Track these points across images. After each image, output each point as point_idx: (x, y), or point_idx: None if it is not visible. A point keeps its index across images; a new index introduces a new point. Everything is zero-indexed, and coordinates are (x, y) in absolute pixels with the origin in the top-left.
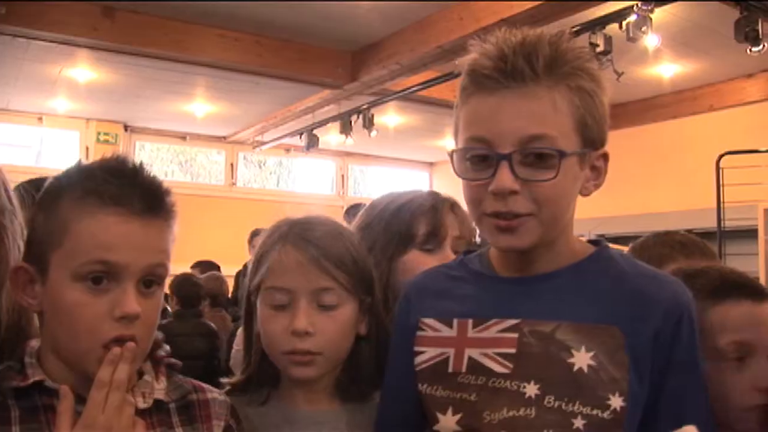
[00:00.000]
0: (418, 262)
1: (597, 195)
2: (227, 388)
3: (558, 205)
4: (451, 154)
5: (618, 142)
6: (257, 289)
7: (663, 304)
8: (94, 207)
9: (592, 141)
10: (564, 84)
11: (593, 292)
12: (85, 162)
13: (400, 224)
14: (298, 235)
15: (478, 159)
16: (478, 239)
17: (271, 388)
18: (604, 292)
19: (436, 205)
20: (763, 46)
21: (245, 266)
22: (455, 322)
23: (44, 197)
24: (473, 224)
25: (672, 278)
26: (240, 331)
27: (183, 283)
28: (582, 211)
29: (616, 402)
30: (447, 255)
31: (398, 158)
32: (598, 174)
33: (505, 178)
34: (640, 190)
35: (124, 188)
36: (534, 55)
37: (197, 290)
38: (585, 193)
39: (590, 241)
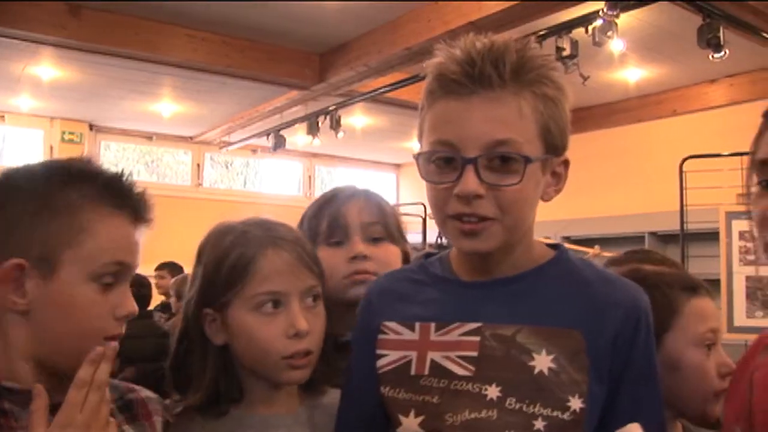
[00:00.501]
0: (325, 258)
1: (563, 197)
2: (179, 408)
3: (521, 210)
4: (416, 157)
5: (584, 145)
6: (228, 301)
7: (622, 307)
8: (113, 208)
9: (554, 147)
10: (529, 90)
11: (554, 295)
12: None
13: (311, 221)
14: (280, 238)
15: (444, 162)
16: (444, 241)
17: (232, 403)
18: (564, 296)
19: (336, 195)
20: (725, 52)
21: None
22: (417, 325)
23: (46, 193)
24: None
25: (631, 282)
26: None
27: (133, 284)
28: (548, 214)
29: (576, 403)
30: (356, 245)
31: (365, 159)
32: (558, 180)
33: (470, 181)
34: (605, 192)
35: (131, 193)
36: (501, 61)
37: (147, 291)
38: (546, 198)
39: (549, 245)
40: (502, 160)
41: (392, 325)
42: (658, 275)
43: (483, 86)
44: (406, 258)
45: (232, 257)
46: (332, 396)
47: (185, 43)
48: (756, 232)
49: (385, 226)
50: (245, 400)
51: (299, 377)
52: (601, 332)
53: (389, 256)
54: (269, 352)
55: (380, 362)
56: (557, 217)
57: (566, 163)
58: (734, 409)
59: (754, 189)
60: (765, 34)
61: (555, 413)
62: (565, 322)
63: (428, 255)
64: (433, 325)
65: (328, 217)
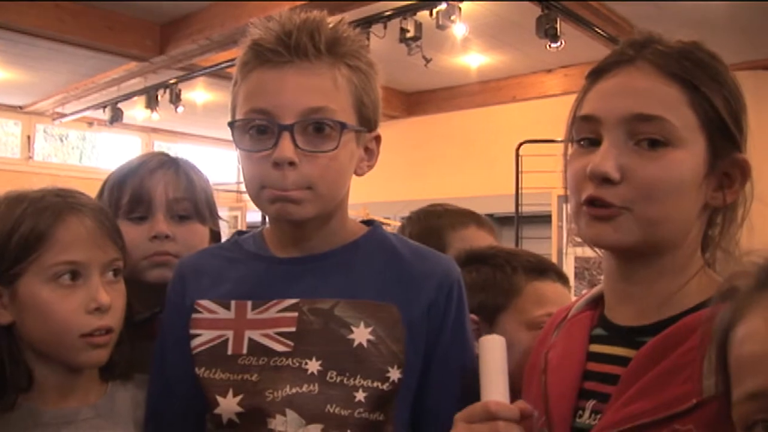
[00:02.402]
0: (125, 233)
1: (404, 178)
2: None
3: (336, 179)
4: (231, 125)
5: (425, 127)
6: (18, 273)
7: (435, 278)
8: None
9: (367, 121)
10: (344, 63)
11: (369, 270)
12: None
13: (111, 191)
14: (81, 204)
15: (259, 131)
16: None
17: (20, 392)
18: (379, 270)
19: (142, 165)
20: (561, 43)
21: None
22: (233, 303)
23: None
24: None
25: (443, 255)
26: None
27: None
28: (389, 194)
29: (395, 374)
30: (159, 223)
31: (206, 136)
32: (371, 155)
33: (286, 147)
34: (446, 174)
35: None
36: (317, 33)
37: None
38: (359, 172)
39: (363, 222)
40: (317, 128)
41: (206, 303)
42: (509, 255)
43: (299, 56)
44: (216, 238)
45: (26, 225)
46: (139, 382)
47: (12, 4)
48: (570, 193)
49: (194, 203)
50: (36, 390)
51: (98, 358)
52: (415, 304)
53: (194, 237)
54: (66, 330)
55: (194, 342)
56: (397, 198)
57: (378, 139)
58: (531, 392)
59: (570, 151)
60: (598, 29)
61: (375, 384)
62: (381, 296)
63: (240, 232)
64: (249, 303)
65: (131, 189)
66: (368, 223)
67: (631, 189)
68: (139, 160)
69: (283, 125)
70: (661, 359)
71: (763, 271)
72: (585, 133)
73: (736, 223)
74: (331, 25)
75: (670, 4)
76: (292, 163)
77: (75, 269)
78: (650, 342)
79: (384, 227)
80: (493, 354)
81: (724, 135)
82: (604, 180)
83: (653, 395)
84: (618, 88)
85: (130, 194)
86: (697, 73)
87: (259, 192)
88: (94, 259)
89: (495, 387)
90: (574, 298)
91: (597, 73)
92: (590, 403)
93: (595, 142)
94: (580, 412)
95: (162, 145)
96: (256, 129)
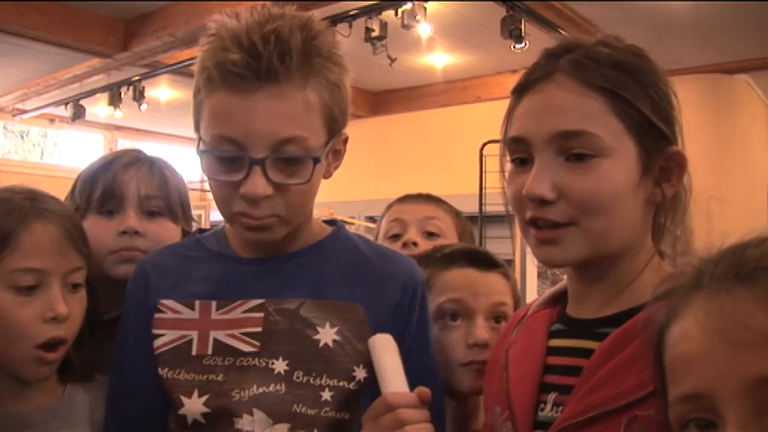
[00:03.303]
0: (94, 227)
1: (368, 177)
2: None
3: (307, 204)
4: (197, 154)
5: (389, 127)
6: None
7: (400, 279)
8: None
9: (338, 129)
10: (315, 80)
11: (334, 270)
12: None
13: (84, 185)
14: (48, 210)
15: (228, 158)
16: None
17: None
18: (344, 271)
19: (116, 160)
20: (526, 44)
21: None
22: (197, 304)
23: None
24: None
25: (406, 257)
26: None
27: None
28: (353, 194)
29: (360, 373)
30: (129, 218)
31: (170, 134)
32: (338, 156)
33: (258, 184)
34: (411, 174)
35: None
36: (288, 54)
37: None
38: (327, 176)
39: (326, 221)
40: (289, 158)
41: (169, 303)
42: (434, 250)
43: (269, 81)
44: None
45: None
46: (100, 383)
47: None
48: (514, 212)
49: (167, 200)
50: None
51: (43, 374)
52: (380, 304)
53: (164, 234)
54: (21, 338)
55: (157, 342)
56: (362, 197)
57: (345, 140)
58: (493, 388)
59: (508, 168)
60: (562, 31)
61: (341, 383)
62: (347, 296)
63: (201, 230)
64: (214, 303)
65: (104, 184)
66: (332, 223)
67: (569, 206)
68: (114, 155)
69: (255, 159)
70: (620, 350)
71: (697, 273)
72: (517, 153)
73: (683, 211)
74: (302, 33)
75: (633, 7)
76: (265, 196)
77: (36, 276)
78: (613, 333)
79: (348, 227)
80: (383, 352)
81: (653, 134)
82: (542, 201)
83: (613, 384)
84: (540, 107)
85: (102, 189)
86: (616, 77)
87: (231, 216)
88: (56, 267)
89: (390, 381)
90: (531, 295)
91: (520, 90)
92: (552, 396)
93: (527, 161)
94: (542, 405)
95: (125, 143)
96: (225, 157)
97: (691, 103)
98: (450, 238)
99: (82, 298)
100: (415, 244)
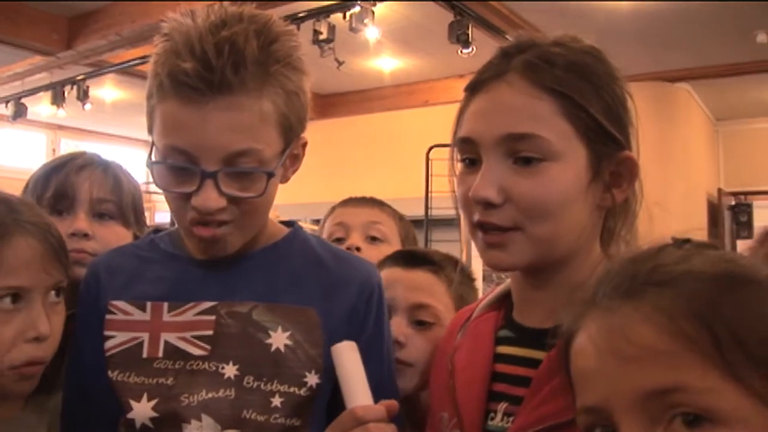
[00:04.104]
0: None
1: (315, 180)
2: None
3: (263, 213)
4: (147, 166)
5: (337, 130)
6: None
7: (356, 282)
8: None
9: (296, 134)
10: (271, 89)
11: (288, 273)
12: None
13: (37, 184)
14: (29, 222)
15: (180, 169)
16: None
17: None
18: (299, 274)
19: (70, 161)
20: (473, 49)
21: None
22: (149, 305)
23: None
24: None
25: (363, 260)
26: None
27: None
28: (299, 196)
29: (312, 379)
30: (79, 221)
31: (116, 135)
32: (296, 160)
33: (210, 197)
34: (357, 177)
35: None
36: (242, 64)
37: None
38: (284, 181)
39: (283, 223)
40: (242, 172)
41: (120, 304)
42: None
43: (221, 92)
44: None
45: None
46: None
47: None
48: (462, 213)
49: (119, 204)
50: None
51: (24, 389)
52: (335, 308)
53: (114, 238)
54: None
55: (108, 344)
56: (308, 200)
57: (305, 145)
58: (439, 394)
59: (458, 169)
60: (509, 37)
61: (292, 389)
62: (300, 300)
63: (156, 230)
64: (165, 305)
65: (56, 185)
66: (289, 224)
67: (516, 210)
68: (69, 156)
69: (207, 172)
70: None
71: (593, 288)
72: (466, 153)
73: (632, 217)
74: (258, 40)
75: (577, 15)
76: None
77: (17, 293)
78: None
79: None
80: (346, 360)
81: (604, 138)
82: (488, 204)
83: (564, 396)
84: (490, 107)
85: (54, 189)
86: (569, 81)
87: (186, 227)
88: (39, 283)
89: (356, 392)
90: (480, 297)
91: (472, 89)
92: (502, 406)
93: (477, 161)
94: (492, 414)
95: (69, 143)
96: (177, 168)
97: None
98: (393, 242)
99: (62, 309)
100: (358, 249)
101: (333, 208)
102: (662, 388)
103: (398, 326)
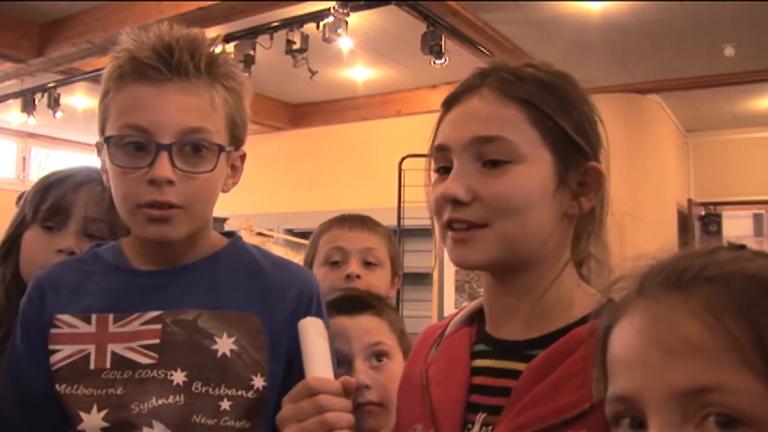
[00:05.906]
0: (33, 239)
1: (287, 190)
2: None
3: (209, 199)
4: (104, 141)
5: (309, 140)
6: None
7: (294, 288)
8: None
9: (238, 140)
10: (220, 83)
11: (231, 281)
12: None
13: (34, 196)
14: None
15: (135, 148)
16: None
17: None
18: (240, 281)
19: (70, 177)
20: (446, 59)
21: None
22: (94, 317)
23: None
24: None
25: (301, 266)
26: None
27: None
28: (272, 206)
29: (259, 382)
30: (68, 237)
31: (87, 143)
32: (236, 172)
33: (164, 167)
34: (330, 186)
35: None
36: (197, 53)
37: None
38: (225, 189)
39: (223, 233)
40: (194, 148)
41: (66, 318)
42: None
43: (179, 74)
44: None
45: None
46: None
47: None
48: (435, 219)
49: (111, 226)
50: None
51: None
52: (276, 314)
53: None
54: None
55: (54, 358)
56: (280, 209)
57: (243, 157)
58: (412, 407)
59: (432, 177)
60: (481, 48)
61: (240, 392)
62: (243, 306)
63: (99, 244)
64: (111, 316)
65: (53, 198)
66: (228, 234)
67: (482, 208)
68: (72, 170)
69: (162, 144)
70: (552, 370)
71: (643, 278)
72: (440, 162)
73: (598, 226)
74: (209, 45)
75: (550, 26)
76: (169, 182)
77: None
78: (542, 354)
79: (267, 239)
80: (311, 335)
81: (571, 147)
82: (457, 202)
83: (546, 403)
84: (463, 116)
85: (51, 203)
86: (537, 93)
87: (134, 210)
88: None
89: (315, 365)
90: (453, 311)
91: (448, 103)
92: (480, 416)
93: (449, 170)
94: (470, 425)
95: (40, 152)
96: (132, 146)
97: (604, 121)
98: (386, 266)
99: None
100: (358, 276)
101: (326, 227)
102: (699, 386)
103: (361, 371)
